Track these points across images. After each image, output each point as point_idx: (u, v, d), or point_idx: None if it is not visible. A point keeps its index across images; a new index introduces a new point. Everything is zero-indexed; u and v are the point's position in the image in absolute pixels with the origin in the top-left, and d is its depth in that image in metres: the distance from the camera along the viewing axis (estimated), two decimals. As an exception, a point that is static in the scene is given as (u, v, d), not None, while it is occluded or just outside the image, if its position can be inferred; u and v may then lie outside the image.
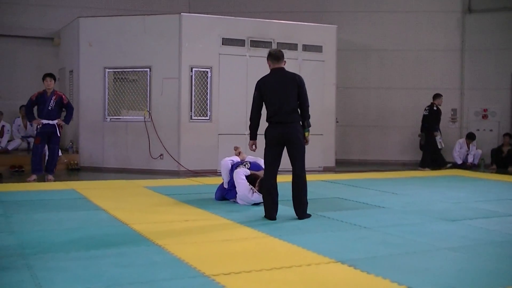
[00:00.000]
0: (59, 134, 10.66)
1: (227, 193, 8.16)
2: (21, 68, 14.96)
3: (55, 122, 10.55)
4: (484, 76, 15.59)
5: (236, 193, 7.92)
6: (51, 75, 10.73)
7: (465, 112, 15.82)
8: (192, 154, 12.30)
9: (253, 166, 8.07)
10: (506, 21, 15.34)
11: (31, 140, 12.76)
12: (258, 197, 7.61)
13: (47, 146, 10.76)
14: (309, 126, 6.96)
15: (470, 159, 14.70)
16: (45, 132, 10.53)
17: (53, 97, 10.59)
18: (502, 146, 14.58)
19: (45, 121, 10.49)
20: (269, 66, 7.01)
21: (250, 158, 8.43)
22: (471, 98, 15.74)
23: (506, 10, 15.37)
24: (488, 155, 14.74)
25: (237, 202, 7.98)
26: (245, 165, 8.09)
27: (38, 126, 10.55)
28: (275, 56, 6.96)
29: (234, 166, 8.13)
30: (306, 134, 6.91)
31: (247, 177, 7.86)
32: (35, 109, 10.77)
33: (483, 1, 15.60)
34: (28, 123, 13.07)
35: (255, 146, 7.03)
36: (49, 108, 10.52)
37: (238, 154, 8.65)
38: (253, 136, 7.01)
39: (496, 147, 14.71)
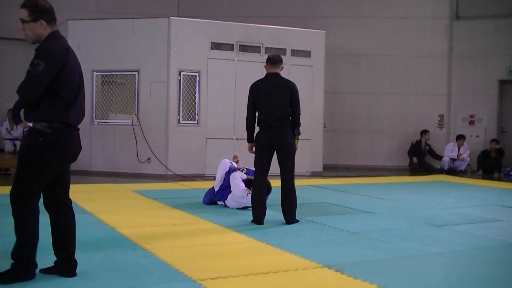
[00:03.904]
0: None
1: (217, 194, 8.13)
2: (9, 70, 14.87)
3: None
4: (471, 83, 15.70)
5: (226, 194, 7.92)
6: None
7: (452, 118, 15.92)
8: (180, 158, 12.27)
9: (250, 172, 8.08)
10: (493, 28, 15.47)
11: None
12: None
13: None
14: (299, 134, 6.99)
15: (463, 159, 14.70)
16: None
17: None
18: (489, 152, 14.66)
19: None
20: (266, 69, 7.04)
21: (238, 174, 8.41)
22: (458, 104, 15.84)
23: (493, 17, 15.50)
24: (474, 160, 14.83)
25: (225, 206, 7.99)
26: (242, 170, 8.14)
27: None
28: (272, 61, 6.98)
29: (231, 170, 8.16)
30: (296, 141, 6.93)
31: (244, 181, 7.89)
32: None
33: (471, 8, 15.73)
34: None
35: (254, 148, 7.01)
36: None
37: (236, 162, 8.65)
38: (250, 138, 7.02)
39: (483, 153, 14.78)
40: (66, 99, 4.17)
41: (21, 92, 4.13)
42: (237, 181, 7.89)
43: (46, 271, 4.39)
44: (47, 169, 4.17)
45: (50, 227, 4.40)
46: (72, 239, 4.37)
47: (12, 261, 4.16)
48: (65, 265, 4.34)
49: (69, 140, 4.23)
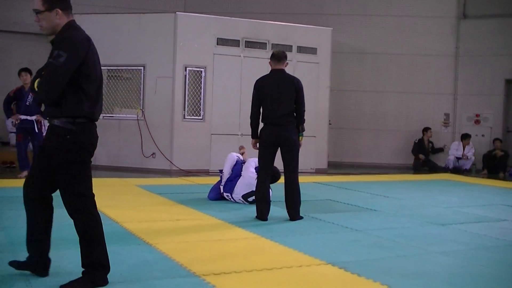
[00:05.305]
0: (37, 130, 10.40)
1: (225, 186, 8.13)
2: (15, 64, 14.81)
3: (33, 118, 10.34)
4: (477, 82, 15.66)
5: (234, 184, 7.94)
6: (26, 70, 10.43)
7: (458, 117, 15.88)
8: (185, 154, 12.28)
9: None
10: (500, 27, 15.41)
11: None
12: None
13: (31, 143, 10.62)
14: (303, 130, 6.99)
15: (467, 160, 14.70)
16: (24, 128, 10.33)
17: (31, 93, 10.42)
18: (494, 151, 14.63)
19: (23, 117, 10.31)
20: (271, 66, 7.03)
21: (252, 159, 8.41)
22: (464, 103, 15.80)
23: (500, 17, 15.45)
24: (479, 160, 14.81)
25: (231, 200, 8.00)
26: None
27: (16, 122, 10.42)
28: (277, 57, 6.97)
29: (238, 163, 8.20)
30: (300, 138, 6.93)
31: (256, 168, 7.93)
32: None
33: (478, 7, 15.68)
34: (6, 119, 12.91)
35: (258, 144, 7.01)
36: (27, 103, 10.29)
37: (242, 154, 8.65)
38: (254, 134, 7.02)
39: (488, 152, 14.76)
40: (90, 92, 3.96)
41: (43, 88, 3.84)
42: (250, 166, 7.97)
43: (17, 265, 4.26)
44: (87, 166, 4.05)
45: (42, 221, 4.27)
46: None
47: (85, 269, 4.03)
48: (42, 262, 4.25)
49: (92, 135, 4.04)
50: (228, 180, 8.14)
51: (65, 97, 3.89)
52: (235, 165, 8.24)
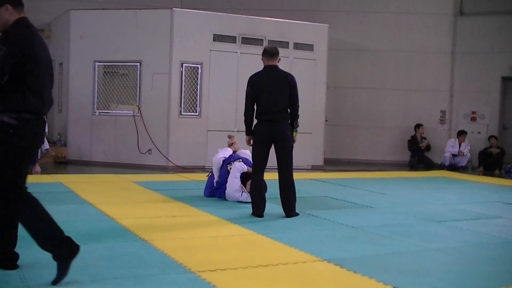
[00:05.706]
0: None
1: (215, 192, 8.11)
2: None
3: None
4: (474, 79, 15.66)
5: (223, 191, 7.89)
6: None
7: (454, 114, 15.89)
8: (181, 150, 12.26)
9: (246, 162, 7.99)
10: (497, 24, 15.41)
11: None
12: (246, 197, 7.57)
13: None
14: (298, 126, 6.95)
15: (463, 157, 14.73)
16: None
17: None
18: (490, 148, 14.65)
19: None
20: (263, 62, 6.99)
21: (242, 152, 8.35)
22: (460, 101, 15.81)
23: (497, 14, 15.44)
24: (475, 157, 14.83)
25: (225, 199, 7.97)
26: (239, 160, 8.02)
27: None
28: (269, 53, 6.92)
29: (226, 163, 8.11)
30: (294, 134, 6.90)
31: (243, 174, 7.83)
32: None
33: (475, 5, 15.67)
34: None
35: (252, 141, 6.98)
36: None
37: (231, 144, 8.57)
38: (248, 131, 6.98)
39: (484, 150, 14.77)
40: (33, 87, 4.01)
41: None
42: (234, 177, 7.79)
43: None
44: (25, 164, 4.08)
45: None
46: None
47: (51, 254, 4.03)
48: (13, 257, 4.29)
49: (37, 130, 4.10)
50: (216, 188, 8.07)
51: (8, 92, 3.95)
52: (221, 166, 8.15)
